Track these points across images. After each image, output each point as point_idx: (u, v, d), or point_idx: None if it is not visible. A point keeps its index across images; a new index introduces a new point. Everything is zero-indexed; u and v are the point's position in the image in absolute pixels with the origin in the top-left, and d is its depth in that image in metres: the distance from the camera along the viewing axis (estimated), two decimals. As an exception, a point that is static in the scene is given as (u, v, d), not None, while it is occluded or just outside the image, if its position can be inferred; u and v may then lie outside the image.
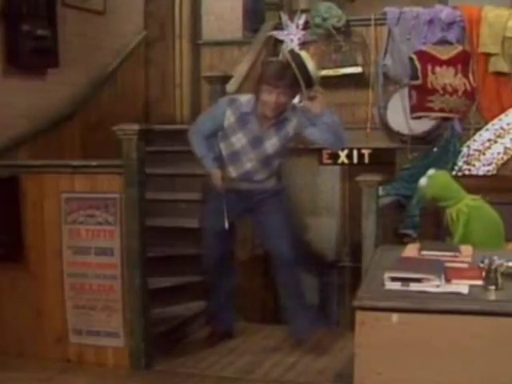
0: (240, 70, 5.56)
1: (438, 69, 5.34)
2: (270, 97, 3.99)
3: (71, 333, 4.34)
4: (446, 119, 5.40)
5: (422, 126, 5.47)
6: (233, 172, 4.22)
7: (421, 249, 3.14)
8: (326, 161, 6.06)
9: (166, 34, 6.81)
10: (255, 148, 4.15)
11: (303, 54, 4.23)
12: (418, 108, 5.42)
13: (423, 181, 4.38)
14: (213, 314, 4.61)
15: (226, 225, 4.21)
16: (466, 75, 5.33)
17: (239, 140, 4.15)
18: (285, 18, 6.02)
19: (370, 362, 2.49)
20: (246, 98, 4.18)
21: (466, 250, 3.19)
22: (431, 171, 4.50)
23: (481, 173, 5.14)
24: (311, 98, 4.07)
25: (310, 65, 4.12)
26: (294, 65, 4.07)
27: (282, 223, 4.27)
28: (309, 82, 4.07)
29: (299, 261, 4.33)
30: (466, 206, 4.19)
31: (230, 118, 4.13)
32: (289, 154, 4.50)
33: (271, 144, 4.16)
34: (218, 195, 4.25)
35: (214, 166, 4.25)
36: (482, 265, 2.68)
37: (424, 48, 5.43)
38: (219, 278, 4.44)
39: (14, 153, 4.85)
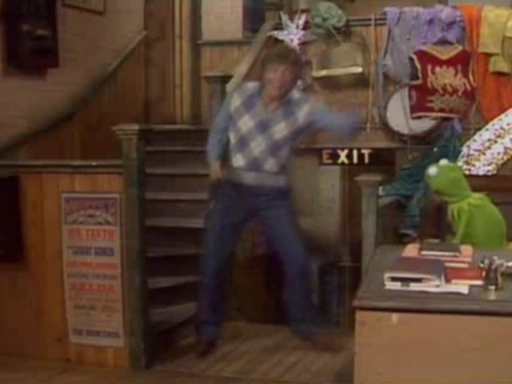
0: (240, 70, 5.56)
1: (438, 69, 5.34)
2: (275, 74, 4.02)
3: (71, 333, 4.34)
4: (446, 119, 5.40)
5: (422, 125, 5.47)
6: (241, 160, 4.14)
7: (421, 249, 3.14)
8: (326, 161, 6.05)
9: (166, 34, 6.82)
10: (262, 132, 4.10)
11: None
12: (418, 108, 5.42)
13: (433, 170, 4.32)
14: (200, 320, 4.42)
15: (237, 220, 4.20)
16: (466, 75, 5.33)
17: (245, 123, 4.11)
18: (285, 18, 6.02)
19: (370, 362, 2.49)
20: (252, 83, 4.26)
21: (466, 250, 3.18)
22: (443, 161, 4.45)
23: (481, 173, 5.14)
24: None
25: None
26: None
27: (293, 229, 4.25)
28: None
29: (311, 265, 4.35)
30: (468, 205, 4.18)
31: (236, 101, 4.15)
32: (298, 148, 4.43)
33: (279, 129, 4.11)
34: (225, 194, 4.22)
35: (215, 158, 4.25)
36: (482, 265, 2.68)
37: (424, 48, 5.43)
38: (215, 280, 4.35)
39: (14, 153, 4.86)
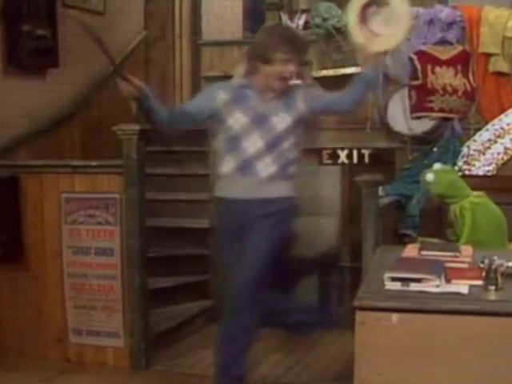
0: (240, 70, 5.56)
1: (437, 69, 5.33)
2: (285, 67, 3.41)
3: (71, 333, 4.35)
4: (446, 119, 5.39)
5: (422, 126, 5.46)
6: (231, 163, 3.48)
7: (421, 249, 3.14)
8: (326, 161, 6.04)
9: (166, 34, 6.82)
10: (260, 126, 3.45)
11: None
12: (418, 108, 5.41)
13: (430, 176, 4.36)
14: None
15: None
16: (466, 75, 5.33)
17: (238, 120, 3.46)
18: (285, 18, 6.02)
19: (370, 362, 2.49)
20: (238, 79, 3.69)
21: (466, 250, 3.18)
22: (437, 165, 4.49)
23: (481, 173, 5.13)
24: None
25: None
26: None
27: (259, 256, 3.40)
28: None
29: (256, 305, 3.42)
30: (469, 203, 4.21)
31: (223, 97, 3.50)
32: (303, 148, 3.70)
33: (281, 119, 3.48)
34: (220, 215, 3.60)
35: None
36: (482, 265, 2.68)
37: (424, 48, 5.42)
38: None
39: (14, 153, 4.86)
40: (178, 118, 3.53)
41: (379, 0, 3.67)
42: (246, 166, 3.45)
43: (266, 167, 3.46)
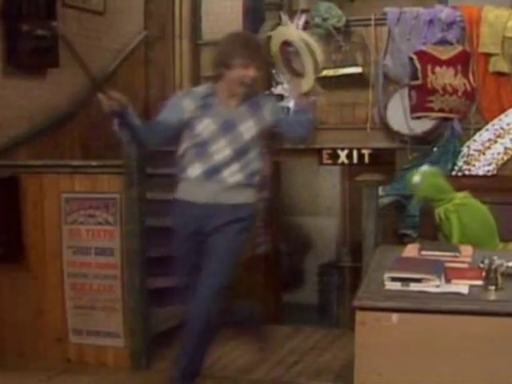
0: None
1: (437, 69, 5.33)
2: (246, 72, 3.47)
3: (71, 333, 4.35)
4: (446, 119, 5.39)
5: (422, 126, 5.47)
6: (198, 168, 3.54)
7: (421, 249, 3.14)
8: (326, 161, 6.04)
9: (165, 34, 6.82)
10: (227, 133, 3.52)
11: (311, 40, 3.83)
12: (418, 108, 5.41)
13: (416, 178, 4.38)
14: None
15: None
16: (466, 75, 5.33)
17: (206, 128, 3.53)
18: (285, 18, 6.01)
19: (370, 362, 2.49)
20: (201, 87, 3.74)
21: (466, 250, 3.19)
22: (424, 167, 4.51)
23: (481, 173, 5.13)
24: (304, 96, 3.66)
25: (318, 51, 3.77)
26: (305, 50, 3.68)
27: (221, 264, 3.51)
28: (316, 69, 3.72)
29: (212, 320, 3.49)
30: (453, 205, 4.23)
31: (189, 105, 3.55)
32: (266, 156, 3.79)
33: (247, 127, 3.55)
34: (178, 215, 3.69)
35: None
36: (482, 265, 2.68)
37: (424, 48, 5.42)
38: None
39: (14, 153, 4.86)
40: (154, 130, 3.60)
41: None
42: (213, 172, 3.52)
43: (233, 175, 3.54)
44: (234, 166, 3.54)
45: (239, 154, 3.54)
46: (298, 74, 3.70)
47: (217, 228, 3.53)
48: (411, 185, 4.42)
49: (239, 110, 3.57)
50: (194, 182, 3.57)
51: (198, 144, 3.54)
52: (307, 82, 3.67)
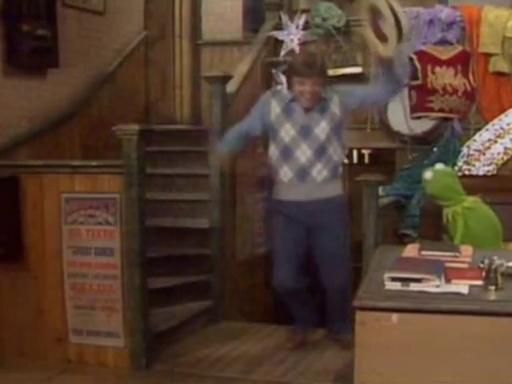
0: (240, 70, 5.56)
1: (437, 69, 5.34)
2: (303, 87, 3.96)
3: (71, 333, 4.34)
4: (446, 119, 5.40)
5: (422, 126, 5.47)
6: (289, 173, 4.06)
7: (421, 249, 3.14)
8: (326, 161, 6.03)
9: (165, 34, 6.82)
10: (306, 138, 4.03)
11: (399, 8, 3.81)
12: (418, 108, 5.42)
13: (429, 174, 4.41)
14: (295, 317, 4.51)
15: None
16: (466, 75, 5.33)
17: (288, 132, 4.05)
18: (285, 18, 6.02)
19: (370, 362, 2.49)
20: (286, 91, 4.25)
21: (466, 250, 3.19)
22: (439, 165, 4.53)
23: (481, 173, 5.14)
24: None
25: (405, 21, 3.81)
26: (390, 14, 3.71)
27: (340, 251, 4.15)
28: (400, 37, 3.77)
29: (349, 280, 4.19)
30: (462, 208, 4.24)
31: (275, 108, 4.08)
32: (346, 147, 4.32)
33: (321, 129, 4.03)
34: (279, 211, 4.16)
35: (224, 149, 4.24)
36: (482, 265, 2.68)
37: (424, 48, 5.43)
38: (289, 291, 4.30)
39: (14, 153, 4.85)
40: (242, 138, 4.24)
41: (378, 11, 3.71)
42: (303, 174, 4.05)
43: (320, 172, 4.05)
44: (319, 165, 4.04)
45: (320, 153, 4.03)
46: (384, 39, 3.75)
47: (319, 218, 4.07)
48: (423, 180, 4.47)
49: (312, 115, 4.04)
50: (289, 184, 4.08)
51: (282, 148, 4.07)
52: (389, 48, 3.76)
